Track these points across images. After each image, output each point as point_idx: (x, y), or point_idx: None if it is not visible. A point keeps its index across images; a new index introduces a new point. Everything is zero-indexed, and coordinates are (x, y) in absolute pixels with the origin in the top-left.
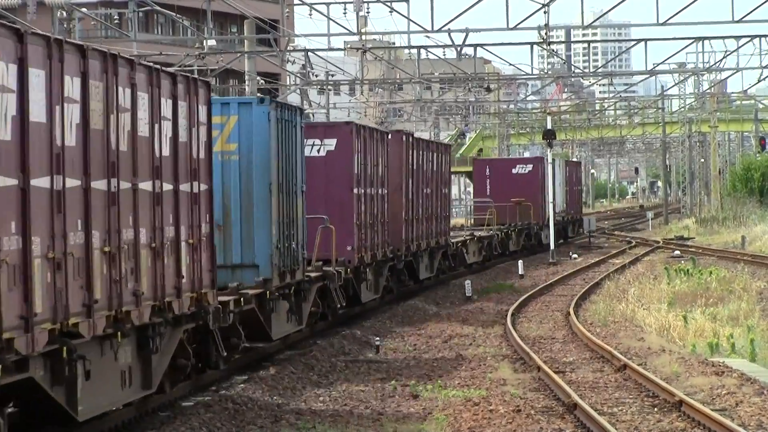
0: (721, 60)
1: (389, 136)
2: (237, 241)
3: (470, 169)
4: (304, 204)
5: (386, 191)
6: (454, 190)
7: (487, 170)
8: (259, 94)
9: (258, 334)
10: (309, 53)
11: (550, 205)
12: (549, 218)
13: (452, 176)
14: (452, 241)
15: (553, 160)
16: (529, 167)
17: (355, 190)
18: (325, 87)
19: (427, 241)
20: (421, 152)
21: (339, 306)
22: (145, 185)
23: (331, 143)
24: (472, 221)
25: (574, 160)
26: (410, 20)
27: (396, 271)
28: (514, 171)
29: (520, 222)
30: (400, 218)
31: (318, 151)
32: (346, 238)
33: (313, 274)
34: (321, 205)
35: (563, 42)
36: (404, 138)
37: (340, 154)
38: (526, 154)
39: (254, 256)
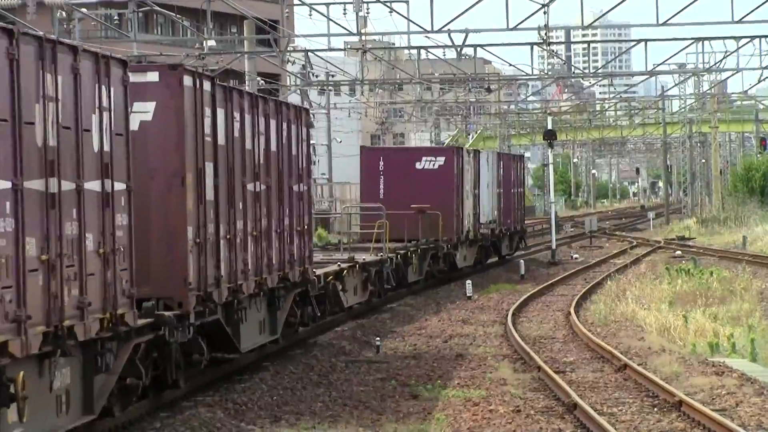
0: (721, 60)
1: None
2: None
3: None
4: None
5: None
6: None
7: (381, 163)
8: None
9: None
10: (309, 54)
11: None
12: (473, 229)
13: None
14: (318, 273)
15: (476, 151)
16: (441, 161)
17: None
18: (325, 87)
19: (261, 277)
20: (241, 112)
21: None
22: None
23: None
24: (354, 238)
25: (514, 153)
26: (410, 21)
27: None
28: (418, 165)
29: (424, 239)
30: (177, 240)
31: None
32: None
33: None
34: None
35: (563, 42)
36: (190, 80)
37: None
38: (527, 155)
39: None
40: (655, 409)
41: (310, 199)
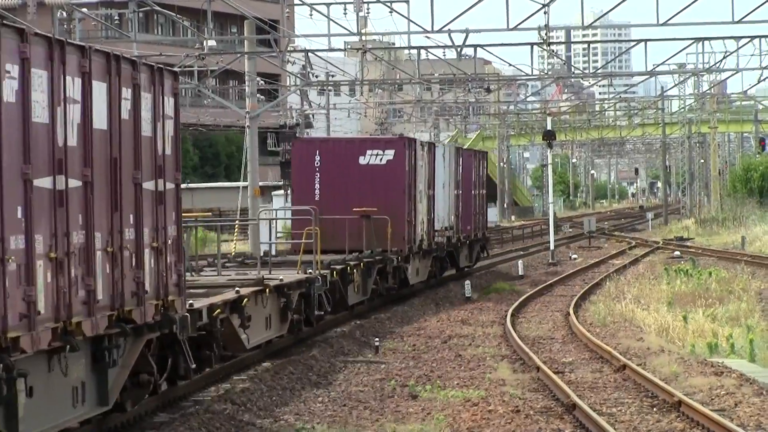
0: (720, 61)
1: None
2: None
3: None
4: None
5: None
6: None
7: (317, 158)
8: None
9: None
10: (309, 54)
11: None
12: (427, 237)
13: None
14: (198, 306)
15: (430, 145)
16: (389, 155)
17: None
18: (325, 88)
19: (67, 321)
20: (23, 63)
21: None
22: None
23: None
24: (284, 249)
25: (476, 149)
26: (410, 21)
27: None
28: (362, 161)
29: (369, 250)
30: None
31: None
32: None
33: None
34: None
35: (563, 42)
36: None
37: None
38: (526, 155)
39: None
40: (655, 409)
41: (179, 201)
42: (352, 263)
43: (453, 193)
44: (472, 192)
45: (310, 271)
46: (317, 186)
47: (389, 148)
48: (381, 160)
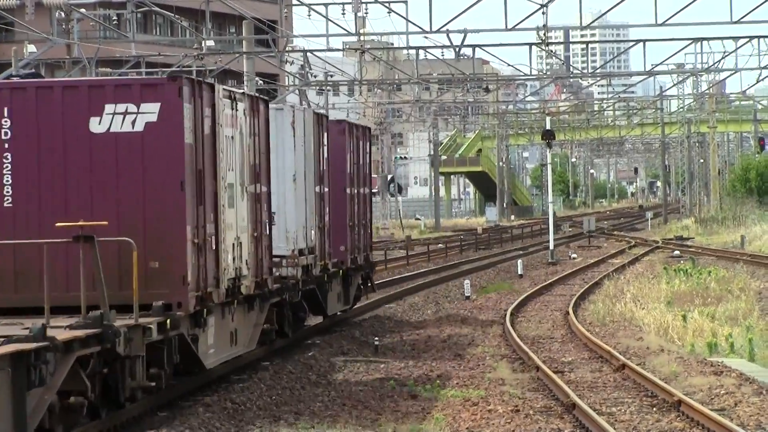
0: (719, 61)
1: None
2: None
3: (472, 169)
4: None
5: None
6: (453, 191)
7: (5, 121)
8: None
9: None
10: (307, 54)
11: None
12: (254, 271)
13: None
14: None
15: (261, 101)
16: (150, 114)
17: None
18: (323, 88)
19: None
20: None
21: None
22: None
23: None
24: None
25: (354, 122)
26: (409, 21)
27: None
28: (97, 125)
29: (96, 311)
30: None
31: None
32: None
33: None
34: None
35: (562, 43)
36: None
37: None
38: (526, 154)
39: None
40: (654, 408)
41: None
42: (38, 347)
43: (313, 192)
44: (349, 190)
45: None
46: (6, 179)
47: (150, 101)
48: (134, 123)
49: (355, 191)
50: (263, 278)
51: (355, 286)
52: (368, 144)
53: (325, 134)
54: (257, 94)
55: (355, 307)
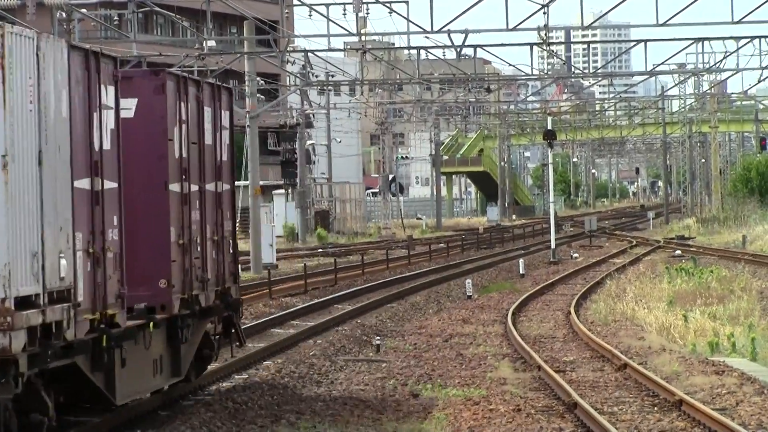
0: (721, 61)
1: None
2: None
3: (473, 169)
4: None
5: None
6: (455, 191)
7: None
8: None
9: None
10: (309, 54)
11: None
12: None
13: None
14: None
15: None
16: None
17: None
18: (325, 88)
19: None
20: None
21: None
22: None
23: None
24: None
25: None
26: (410, 21)
27: None
28: None
29: None
30: None
31: None
32: None
33: None
34: None
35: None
36: None
37: None
38: (527, 154)
39: None
40: (656, 408)
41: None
42: None
43: (69, 189)
44: (178, 187)
45: None
46: None
47: None
48: None
49: (195, 188)
50: None
51: (197, 342)
52: (228, 113)
53: (111, 89)
54: None
55: (208, 372)
